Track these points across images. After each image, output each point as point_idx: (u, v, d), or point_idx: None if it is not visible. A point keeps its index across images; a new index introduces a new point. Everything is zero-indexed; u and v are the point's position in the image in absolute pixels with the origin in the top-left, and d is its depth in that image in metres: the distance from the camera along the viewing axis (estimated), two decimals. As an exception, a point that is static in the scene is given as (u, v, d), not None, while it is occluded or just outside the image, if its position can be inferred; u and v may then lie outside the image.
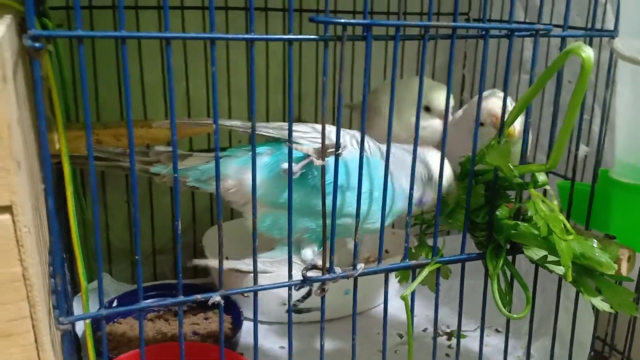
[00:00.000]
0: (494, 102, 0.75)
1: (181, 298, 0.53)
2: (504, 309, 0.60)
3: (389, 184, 0.62)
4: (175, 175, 0.51)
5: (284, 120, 1.16)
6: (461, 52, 1.22)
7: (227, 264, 0.87)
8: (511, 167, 0.58)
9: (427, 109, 0.81)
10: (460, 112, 0.87)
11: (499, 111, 0.67)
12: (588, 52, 0.50)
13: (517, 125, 0.70)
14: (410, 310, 0.61)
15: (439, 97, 0.80)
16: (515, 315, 0.61)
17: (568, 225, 0.58)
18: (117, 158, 0.67)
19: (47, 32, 0.44)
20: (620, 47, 0.60)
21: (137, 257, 0.51)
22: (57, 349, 0.51)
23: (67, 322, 0.49)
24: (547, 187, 0.61)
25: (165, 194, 1.05)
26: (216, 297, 0.54)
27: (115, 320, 0.90)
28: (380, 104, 0.86)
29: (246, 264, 0.67)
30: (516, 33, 0.59)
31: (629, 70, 0.62)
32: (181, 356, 0.54)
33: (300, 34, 0.95)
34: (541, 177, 0.59)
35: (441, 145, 0.60)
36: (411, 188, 0.59)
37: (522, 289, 0.63)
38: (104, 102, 0.96)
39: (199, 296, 0.53)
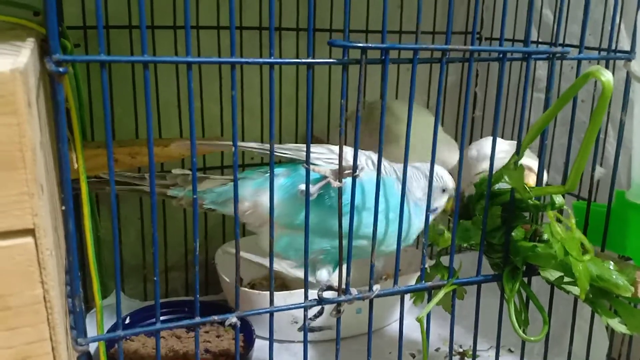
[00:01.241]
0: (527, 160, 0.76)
1: (198, 319, 0.53)
2: (520, 331, 0.60)
3: (406, 205, 0.62)
4: (195, 196, 0.51)
5: (296, 139, 1.17)
6: (473, 69, 1.22)
7: (255, 259, 0.89)
8: (527, 188, 0.58)
9: (443, 191, 0.80)
10: (474, 151, 0.85)
11: (533, 165, 0.69)
12: (607, 77, 0.50)
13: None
14: (426, 332, 0.61)
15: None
16: (532, 338, 0.60)
17: (587, 243, 0.58)
18: (135, 182, 0.68)
19: (71, 57, 0.45)
20: (637, 69, 0.61)
21: (155, 278, 0.51)
22: (75, 369, 0.52)
23: (85, 343, 0.49)
24: (565, 209, 0.61)
25: (178, 211, 1.05)
26: (232, 319, 0.54)
27: (128, 337, 0.90)
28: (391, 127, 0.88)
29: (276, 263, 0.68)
30: (533, 56, 0.59)
31: (645, 93, 0.62)
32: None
33: (313, 53, 0.95)
34: (558, 199, 0.59)
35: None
36: (427, 208, 0.59)
37: (537, 309, 0.63)
38: (119, 120, 0.97)
39: (215, 317, 0.53)
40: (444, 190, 0.68)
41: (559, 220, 0.62)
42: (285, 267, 0.89)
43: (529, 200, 0.59)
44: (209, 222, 1.09)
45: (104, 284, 1.02)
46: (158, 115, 0.98)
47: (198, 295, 0.54)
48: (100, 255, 0.94)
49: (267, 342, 0.94)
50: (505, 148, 0.71)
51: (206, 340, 0.92)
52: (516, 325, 0.59)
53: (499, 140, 0.75)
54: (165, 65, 0.97)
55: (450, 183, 0.68)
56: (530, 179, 0.67)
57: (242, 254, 0.71)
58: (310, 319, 0.88)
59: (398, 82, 1.14)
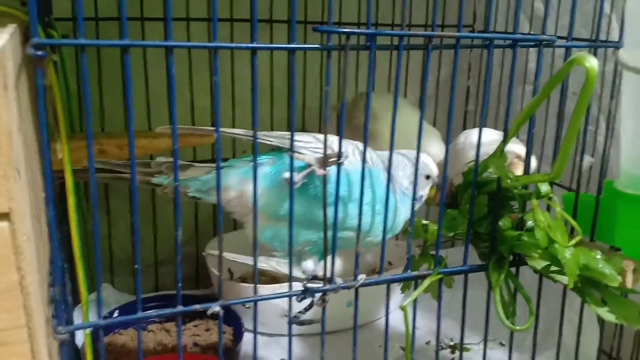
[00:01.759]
0: (517, 147, 0.75)
1: (180, 308, 0.53)
2: (506, 321, 0.60)
3: (392, 195, 0.62)
4: (176, 184, 0.50)
5: (290, 125, 1.17)
6: (465, 63, 1.22)
7: (240, 259, 0.88)
8: (511, 176, 0.58)
9: (427, 177, 0.79)
10: (462, 139, 0.84)
11: (523, 153, 0.70)
12: (592, 62, 0.49)
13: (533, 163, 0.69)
14: (412, 322, 0.61)
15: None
16: (518, 327, 0.60)
17: (576, 226, 0.57)
18: (119, 170, 0.67)
19: (49, 40, 0.44)
20: (625, 57, 0.60)
21: (136, 267, 0.51)
22: (55, 359, 0.51)
23: (65, 331, 0.48)
24: (552, 196, 0.61)
25: (169, 203, 1.05)
26: (215, 308, 0.53)
27: (116, 331, 0.90)
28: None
29: (261, 261, 0.67)
30: (520, 43, 0.58)
31: (634, 81, 0.61)
32: (180, 366, 0.53)
33: (304, 39, 0.95)
34: (544, 188, 0.59)
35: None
36: (413, 199, 0.59)
37: (524, 300, 0.62)
38: (108, 111, 0.97)
39: (197, 306, 0.52)
40: (427, 177, 0.67)
41: (548, 208, 0.61)
42: (274, 265, 0.88)
43: (515, 189, 0.58)
44: (200, 215, 1.08)
45: (93, 276, 1.01)
46: (147, 108, 0.98)
47: (180, 285, 0.53)
48: (89, 247, 0.94)
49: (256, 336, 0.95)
50: (494, 138, 0.71)
51: (195, 334, 0.91)
52: (501, 313, 0.59)
53: (488, 130, 0.75)
54: (155, 57, 0.96)
55: (434, 170, 0.68)
56: (520, 167, 0.67)
57: (226, 254, 0.71)
58: (300, 312, 0.88)
59: (390, 74, 1.13)
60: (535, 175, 0.58)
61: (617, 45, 0.63)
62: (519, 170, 0.72)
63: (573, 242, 0.56)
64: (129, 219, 1.05)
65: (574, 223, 0.57)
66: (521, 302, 0.63)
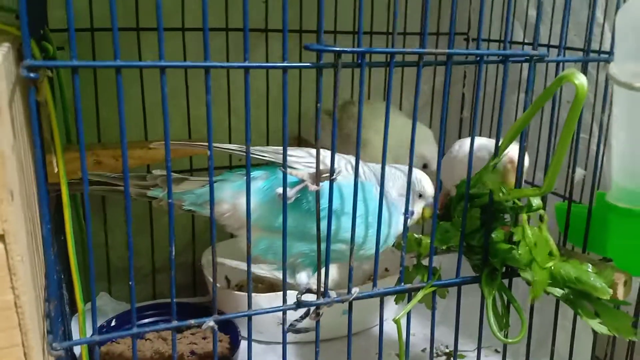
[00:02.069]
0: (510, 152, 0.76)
1: (175, 323, 0.53)
2: (498, 333, 0.60)
3: (385, 209, 0.62)
4: (170, 201, 0.51)
5: (283, 141, 1.17)
6: (460, 71, 1.23)
7: (234, 264, 0.88)
8: (504, 190, 0.59)
9: (420, 196, 0.79)
10: (456, 147, 0.85)
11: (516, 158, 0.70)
12: (581, 80, 0.50)
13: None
14: (406, 333, 0.61)
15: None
16: (510, 340, 0.60)
17: (554, 248, 0.58)
18: (114, 182, 0.68)
19: (42, 62, 0.45)
20: (615, 72, 0.61)
21: (130, 283, 0.51)
22: (51, 374, 0.51)
23: (60, 348, 0.49)
24: (542, 211, 0.61)
25: (165, 213, 1.04)
26: (210, 322, 0.54)
27: (114, 340, 0.90)
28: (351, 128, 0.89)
29: (259, 268, 0.67)
30: (511, 59, 0.59)
31: (624, 94, 0.62)
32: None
33: (300, 55, 0.95)
34: (535, 202, 0.59)
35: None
36: (406, 211, 0.59)
37: (516, 311, 0.63)
38: (104, 122, 0.97)
39: (192, 321, 0.53)
40: (420, 196, 0.68)
41: (540, 219, 0.62)
42: (273, 272, 0.89)
43: (507, 202, 0.59)
44: (197, 224, 1.08)
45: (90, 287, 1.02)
46: (144, 119, 0.98)
47: (175, 300, 0.54)
48: (86, 258, 0.94)
49: (253, 344, 0.95)
50: (490, 147, 0.71)
51: (192, 342, 0.92)
52: (494, 327, 0.59)
53: (485, 139, 0.75)
54: (151, 70, 0.96)
55: (428, 189, 0.68)
56: (512, 174, 0.68)
57: (223, 260, 0.72)
58: (297, 320, 0.88)
59: (385, 83, 1.14)
60: (527, 190, 0.58)
61: (607, 60, 0.64)
62: (511, 177, 0.72)
63: (550, 264, 0.57)
64: (126, 227, 1.05)
65: (552, 244, 0.58)
66: (515, 312, 0.64)
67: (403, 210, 0.59)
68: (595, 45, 0.85)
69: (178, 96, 1.01)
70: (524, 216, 0.58)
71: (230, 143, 1.05)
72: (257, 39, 1.05)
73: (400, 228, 0.64)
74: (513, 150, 0.76)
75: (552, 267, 0.57)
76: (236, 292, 0.97)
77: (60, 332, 0.62)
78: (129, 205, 0.51)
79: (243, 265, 0.88)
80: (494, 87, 1.12)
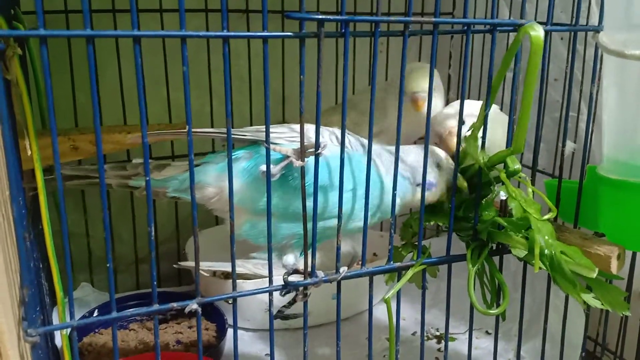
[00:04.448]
0: (438, 124, 0.75)
1: (156, 307, 0.51)
2: (477, 304, 0.59)
3: (376, 176, 0.61)
4: (147, 179, 0.49)
5: (265, 115, 1.15)
6: (446, 52, 1.21)
7: (214, 266, 0.86)
8: (483, 157, 0.58)
9: (438, 166, 0.78)
10: (451, 109, 0.84)
11: (443, 132, 0.73)
12: (538, 31, 0.52)
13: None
14: (395, 313, 0.60)
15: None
16: (492, 311, 0.59)
17: (549, 203, 0.58)
18: (93, 175, 0.65)
19: (7, 31, 0.42)
20: (605, 41, 0.59)
21: (108, 265, 0.49)
22: (27, 362, 0.49)
23: (36, 334, 0.47)
24: (522, 175, 0.60)
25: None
26: (193, 305, 0.52)
27: (96, 330, 0.88)
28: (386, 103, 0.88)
29: (238, 265, 0.65)
30: (498, 28, 0.57)
31: (615, 65, 0.60)
32: (158, 367, 0.52)
33: (282, 27, 0.93)
34: (515, 166, 0.58)
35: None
36: (394, 189, 0.57)
37: (499, 283, 0.62)
38: (81, 108, 0.94)
39: (174, 304, 0.51)
40: (438, 165, 0.65)
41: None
42: (251, 268, 0.87)
43: (486, 169, 0.57)
44: (180, 212, 1.06)
45: (74, 276, 0.99)
46: (123, 103, 0.96)
47: (158, 286, 0.52)
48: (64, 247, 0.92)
49: (240, 332, 0.93)
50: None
51: (178, 332, 0.90)
52: (473, 297, 0.58)
53: (473, 102, 0.74)
54: (129, 51, 0.94)
55: (443, 157, 0.65)
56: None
57: (204, 263, 0.69)
58: (285, 306, 0.87)
59: (388, 61, 1.13)
60: (501, 151, 0.57)
61: (597, 29, 0.62)
62: (451, 143, 0.71)
63: (548, 216, 0.56)
64: (108, 217, 1.03)
65: (546, 199, 0.56)
66: (513, 300, 0.63)
67: (394, 194, 0.57)
68: (582, 21, 0.83)
69: (157, 82, 0.99)
70: (502, 174, 0.56)
71: (213, 142, 1.03)
72: (238, 20, 1.03)
73: (406, 197, 0.63)
74: (438, 126, 0.76)
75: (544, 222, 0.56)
76: (222, 279, 0.95)
77: (39, 321, 0.60)
78: (104, 188, 0.48)
79: (222, 265, 0.86)
80: (479, 69, 1.11)
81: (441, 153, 0.66)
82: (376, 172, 0.61)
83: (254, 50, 1.04)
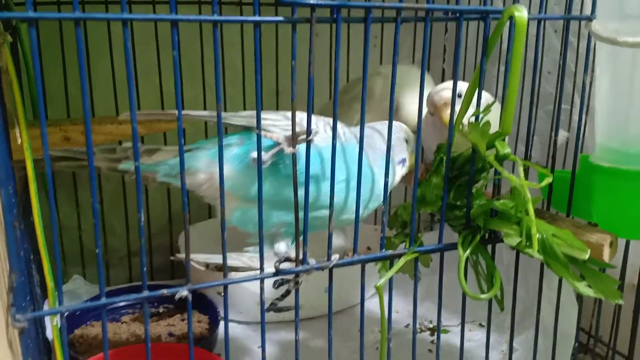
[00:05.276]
0: (435, 93, 0.74)
1: (146, 293, 0.51)
2: (467, 289, 0.58)
3: (367, 168, 0.60)
4: (137, 163, 0.48)
5: (256, 100, 1.15)
6: (441, 45, 1.21)
7: (209, 259, 0.85)
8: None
9: (407, 141, 0.78)
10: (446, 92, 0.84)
11: (439, 100, 0.71)
12: (522, 12, 0.52)
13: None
14: (388, 303, 0.59)
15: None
16: (482, 296, 0.59)
17: (531, 184, 0.57)
18: (82, 157, 0.64)
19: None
20: (597, 28, 0.59)
21: (97, 251, 0.48)
22: (16, 348, 0.49)
23: (24, 319, 0.46)
24: (512, 157, 0.59)
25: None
26: (183, 292, 0.51)
27: (88, 323, 0.87)
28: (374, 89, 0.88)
29: (232, 258, 0.64)
30: (492, 15, 0.57)
31: (607, 52, 0.60)
32: (147, 353, 0.51)
33: (277, 33, 0.93)
34: (505, 150, 0.57)
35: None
36: (386, 175, 0.57)
37: (489, 270, 0.61)
38: (73, 98, 0.94)
39: (164, 291, 0.50)
40: (406, 141, 0.66)
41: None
42: (246, 261, 0.86)
43: (485, 156, 0.57)
44: (173, 206, 1.06)
45: (63, 269, 0.99)
46: (115, 94, 0.95)
47: (145, 269, 0.51)
48: (60, 239, 0.91)
49: (233, 324, 0.93)
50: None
51: (170, 324, 0.89)
52: (464, 282, 0.58)
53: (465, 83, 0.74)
54: (120, 44, 0.93)
55: (409, 132, 0.67)
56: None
57: (197, 256, 0.68)
58: (278, 298, 0.86)
59: (382, 45, 1.12)
60: (491, 134, 0.57)
61: (589, 17, 0.62)
62: (445, 115, 0.71)
63: (544, 183, 0.56)
64: (100, 210, 1.02)
65: (530, 184, 0.56)
66: (506, 293, 0.63)
67: (386, 182, 0.57)
68: (575, 13, 0.84)
69: (150, 73, 0.98)
70: (491, 157, 0.56)
71: (206, 129, 1.03)
72: (232, 11, 1.02)
73: (392, 181, 0.63)
74: (433, 94, 0.75)
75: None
76: (215, 271, 0.94)
77: (29, 310, 0.60)
78: (94, 177, 0.48)
79: (216, 258, 0.85)
80: (473, 61, 1.11)
81: (405, 127, 0.68)
82: (368, 164, 0.61)
83: (247, 42, 1.04)
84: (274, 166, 0.58)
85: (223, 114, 0.61)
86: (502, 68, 1.06)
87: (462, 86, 0.65)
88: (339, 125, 0.61)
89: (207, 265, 1.04)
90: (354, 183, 0.60)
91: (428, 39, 0.55)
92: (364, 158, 0.59)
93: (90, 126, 0.45)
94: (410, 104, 0.80)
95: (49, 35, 0.90)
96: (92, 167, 0.47)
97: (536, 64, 0.63)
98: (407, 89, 0.84)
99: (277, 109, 1.11)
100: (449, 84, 0.79)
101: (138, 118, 0.48)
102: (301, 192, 0.53)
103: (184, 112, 0.61)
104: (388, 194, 0.59)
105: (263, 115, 0.62)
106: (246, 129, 0.62)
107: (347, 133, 0.63)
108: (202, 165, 0.62)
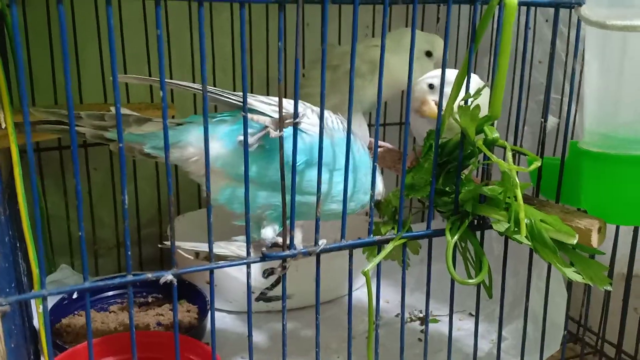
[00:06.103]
0: (418, 92, 0.74)
1: (130, 277, 0.50)
2: (455, 274, 0.58)
3: (361, 162, 0.60)
4: (120, 131, 0.47)
5: (242, 82, 1.14)
6: (418, 14, 1.21)
7: (197, 247, 0.85)
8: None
9: (429, 54, 0.78)
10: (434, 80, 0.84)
11: (415, 100, 0.71)
12: None
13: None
14: (376, 289, 0.59)
15: (441, 46, 0.77)
16: (470, 281, 0.59)
17: (520, 168, 0.57)
18: (66, 120, 0.62)
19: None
20: (587, 13, 0.59)
21: (80, 233, 0.48)
22: (-3, 332, 0.48)
23: (6, 302, 0.46)
24: (501, 141, 0.59)
25: (129, 182, 1.01)
26: (168, 276, 0.51)
27: (76, 312, 0.87)
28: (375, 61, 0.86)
29: (220, 247, 0.63)
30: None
31: (597, 38, 0.60)
32: (132, 339, 0.51)
33: (267, 12, 0.92)
34: (494, 134, 0.57)
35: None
36: (374, 161, 0.57)
37: (478, 255, 0.61)
38: (61, 86, 0.93)
39: (149, 274, 0.50)
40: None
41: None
42: (235, 249, 0.85)
43: (474, 140, 0.57)
44: (162, 195, 1.05)
45: (51, 259, 0.98)
46: (103, 81, 0.95)
47: (130, 253, 0.50)
48: (44, 228, 0.91)
49: (223, 314, 0.92)
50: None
51: (159, 314, 0.89)
52: (452, 268, 0.57)
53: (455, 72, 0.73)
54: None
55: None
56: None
57: (185, 244, 0.68)
58: (267, 288, 0.86)
59: (374, 35, 1.12)
60: (480, 119, 0.56)
61: (579, 2, 0.62)
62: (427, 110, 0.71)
63: (533, 167, 0.56)
64: (88, 200, 1.01)
65: (518, 168, 0.55)
66: (496, 283, 0.63)
67: (374, 174, 0.57)
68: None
69: (139, 62, 0.97)
70: (479, 143, 0.56)
71: (195, 112, 1.02)
72: (222, 5, 1.02)
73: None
74: (417, 93, 0.75)
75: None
76: (204, 261, 0.94)
77: (12, 292, 0.59)
78: (75, 152, 0.47)
79: (205, 247, 0.84)
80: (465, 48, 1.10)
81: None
82: (358, 156, 0.61)
83: (237, 28, 1.03)
84: (262, 148, 0.57)
85: (213, 89, 0.60)
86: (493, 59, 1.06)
87: (452, 74, 0.65)
88: (327, 112, 0.60)
89: (197, 255, 1.03)
90: (339, 170, 0.59)
91: (415, 23, 0.55)
92: (354, 150, 0.58)
93: (70, 93, 0.44)
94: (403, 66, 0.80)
95: (36, 22, 0.90)
96: (73, 133, 0.46)
97: (526, 55, 0.63)
98: (403, 50, 0.83)
99: (268, 92, 1.10)
100: (434, 72, 0.79)
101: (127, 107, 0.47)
102: (289, 175, 0.53)
103: (172, 81, 0.60)
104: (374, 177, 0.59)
105: (254, 96, 0.62)
106: (238, 109, 0.61)
107: (335, 121, 0.62)
108: (192, 139, 0.61)
